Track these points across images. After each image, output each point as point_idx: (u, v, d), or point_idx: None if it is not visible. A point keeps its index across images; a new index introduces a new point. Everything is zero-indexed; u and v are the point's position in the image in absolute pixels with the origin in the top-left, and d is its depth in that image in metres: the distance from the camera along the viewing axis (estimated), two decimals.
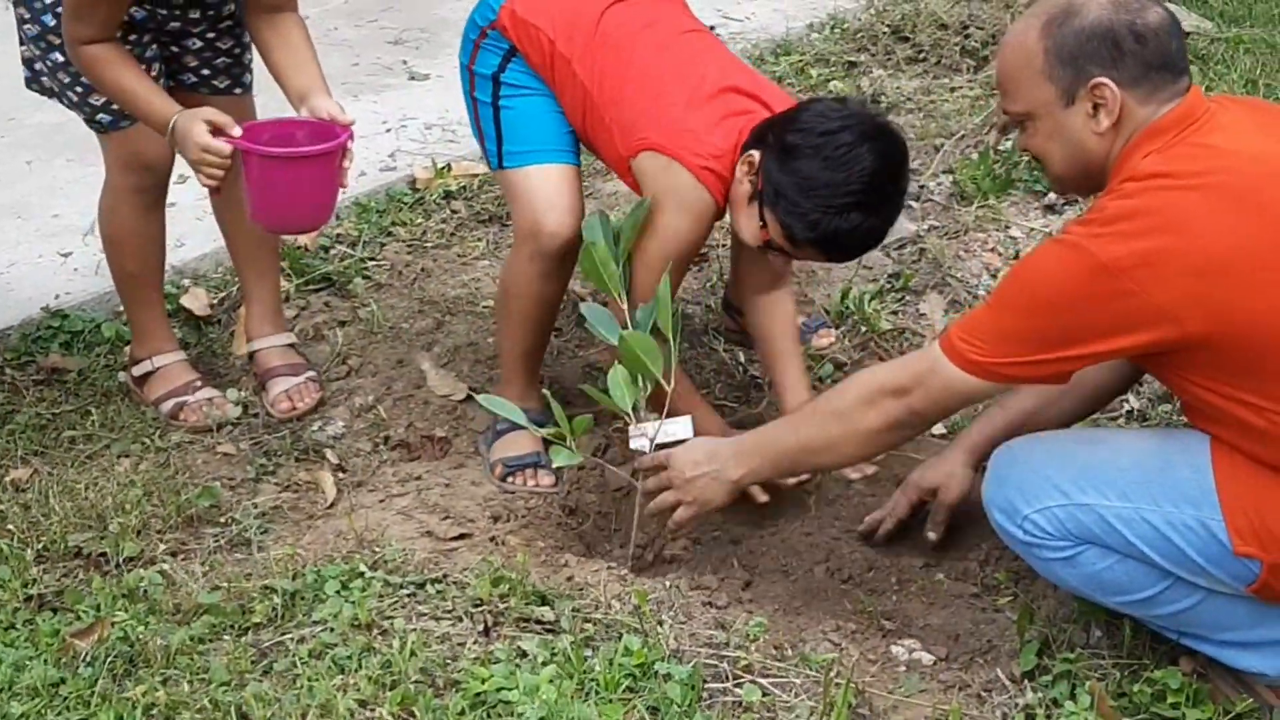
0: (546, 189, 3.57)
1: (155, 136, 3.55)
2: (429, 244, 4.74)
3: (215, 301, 4.43)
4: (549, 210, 3.55)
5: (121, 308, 4.39)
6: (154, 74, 3.60)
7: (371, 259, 4.63)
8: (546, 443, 3.60)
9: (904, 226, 4.58)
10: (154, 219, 3.92)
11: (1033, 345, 2.67)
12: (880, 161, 3.21)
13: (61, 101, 3.76)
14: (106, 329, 4.27)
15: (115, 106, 3.63)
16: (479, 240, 4.75)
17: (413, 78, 5.91)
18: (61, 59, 3.59)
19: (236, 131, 3.34)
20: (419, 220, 4.86)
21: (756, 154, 3.28)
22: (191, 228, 4.64)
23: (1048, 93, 2.72)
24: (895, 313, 4.23)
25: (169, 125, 3.38)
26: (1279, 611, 2.77)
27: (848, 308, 4.19)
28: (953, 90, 5.56)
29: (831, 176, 3.19)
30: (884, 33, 6.03)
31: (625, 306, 3.34)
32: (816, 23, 6.28)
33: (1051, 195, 4.61)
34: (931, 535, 3.35)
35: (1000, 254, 4.41)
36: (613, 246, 3.37)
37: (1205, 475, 2.70)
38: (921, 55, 5.87)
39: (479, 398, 3.45)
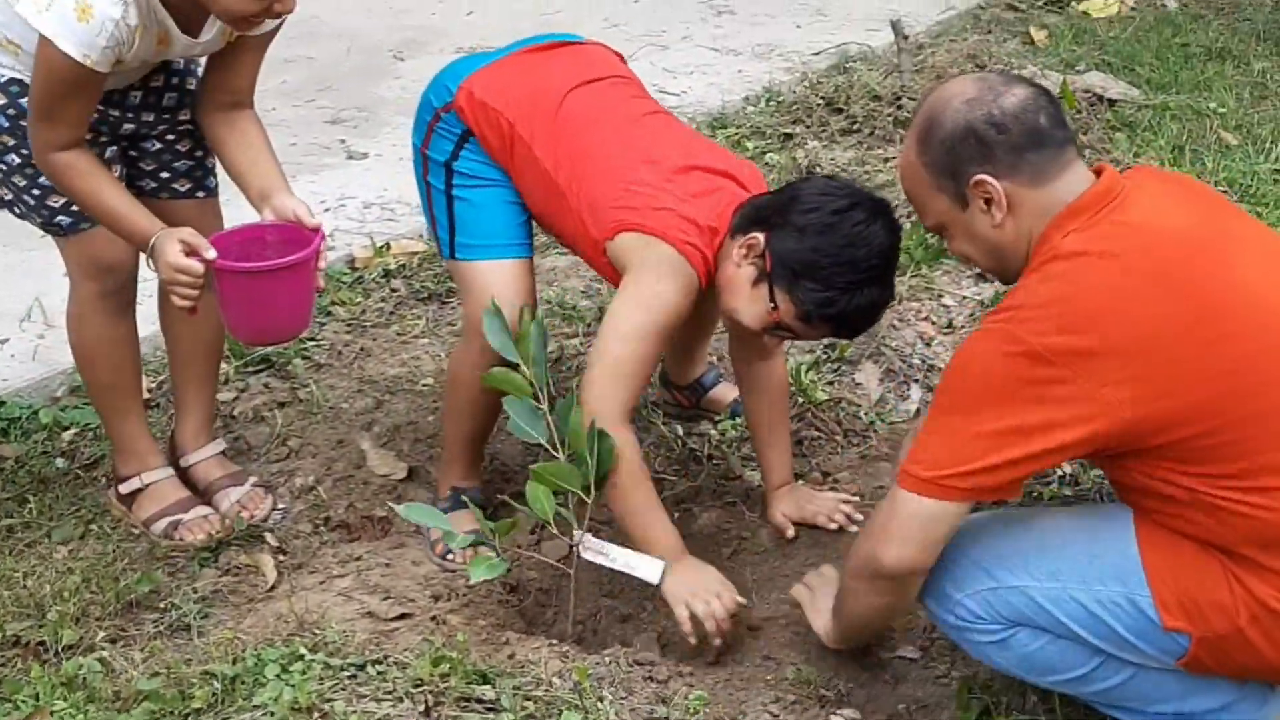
0: (500, 286, 3.56)
1: (114, 237, 3.48)
2: (368, 323, 4.75)
3: (154, 385, 4.41)
4: (502, 308, 3.57)
5: (59, 393, 4.41)
6: (116, 174, 3.53)
7: (311, 339, 4.64)
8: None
9: None
10: (124, 325, 3.77)
11: (980, 447, 2.65)
12: (891, 236, 3.27)
13: (15, 210, 3.62)
14: (44, 415, 4.26)
15: (74, 208, 3.52)
16: (418, 318, 4.77)
17: (350, 157, 5.93)
18: (18, 161, 3.48)
19: (211, 254, 3.26)
20: (358, 299, 4.87)
21: (760, 236, 3.28)
22: None
23: (943, 202, 2.80)
24: (831, 383, 4.26)
25: (149, 244, 3.32)
26: (1208, 683, 2.80)
27: None
28: (886, 161, 5.62)
29: (853, 254, 3.21)
30: (818, 105, 6.09)
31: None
32: (752, 96, 6.33)
33: None
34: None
35: (934, 323, 4.46)
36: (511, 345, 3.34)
37: (1130, 551, 2.73)
38: (855, 127, 5.93)
39: (399, 509, 3.42)
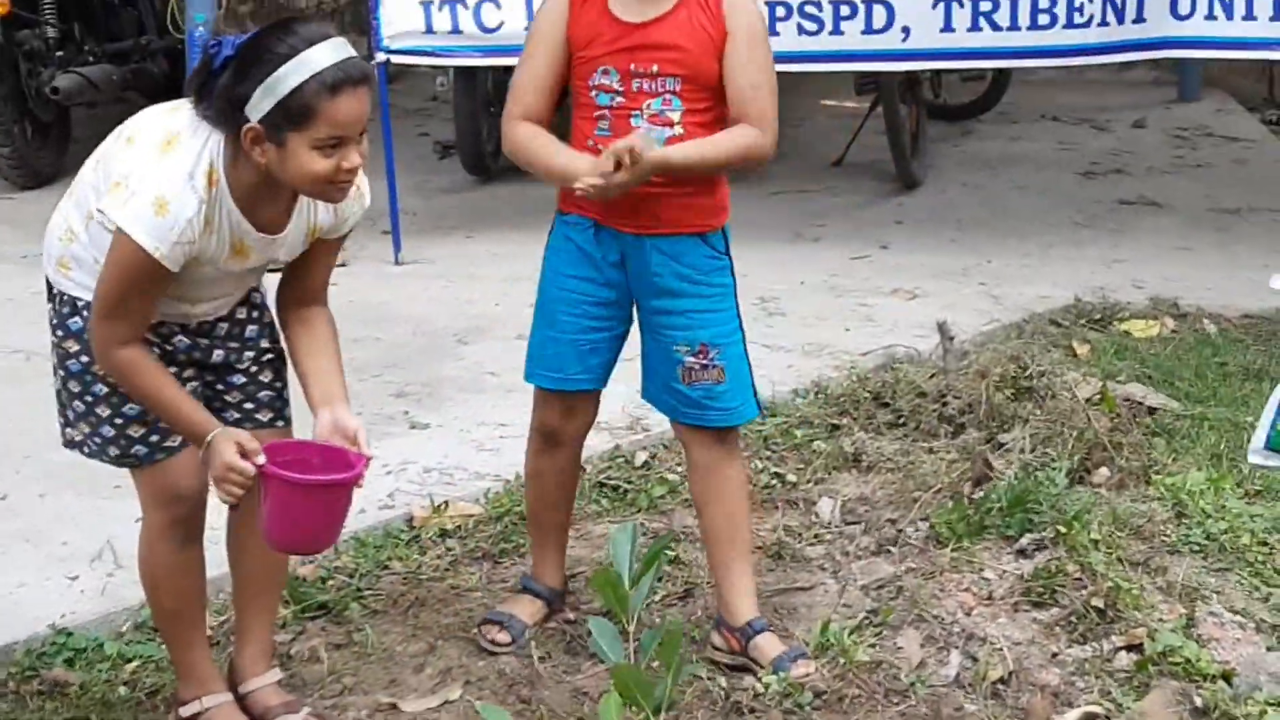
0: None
1: (188, 467, 3.71)
2: (424, 577, 4.88)
3: (216, 624, 4.55)
4: None
5: (124, 629, 4.55)
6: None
7: (369, 589, 4.78)
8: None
9: (882, 568, 4.77)
10: (191, 555, 3.93)
11: None
12: None
13: (84, 449, 3.79)
14: (109, 647, 4.39)
15: (153, 439, 3.73)
16: (473, 574, 4.90)
17: (414, 426, 6.12)
18: (104, 390, 3.68)
19: (262, 460, 3.52)
20: (415, 555, 5.01)
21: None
22: None
23: None
24: (873, 645, 4.37)
25: (206, 440, 3.55)
26: None
27: (827, 640, 4.33)
28: (930, 452, 5.77)
29: None
30: (865, 398, 6.27)
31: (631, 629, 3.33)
32: (800, 388, 6.52)
33: (1024, 540, 4.78)
34: None
35: (975, 594, 4.58)
36: (629, 564, 3.32)
37: None
38: (901, 420, 6.09)
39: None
